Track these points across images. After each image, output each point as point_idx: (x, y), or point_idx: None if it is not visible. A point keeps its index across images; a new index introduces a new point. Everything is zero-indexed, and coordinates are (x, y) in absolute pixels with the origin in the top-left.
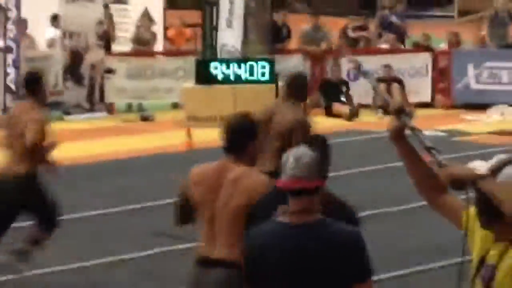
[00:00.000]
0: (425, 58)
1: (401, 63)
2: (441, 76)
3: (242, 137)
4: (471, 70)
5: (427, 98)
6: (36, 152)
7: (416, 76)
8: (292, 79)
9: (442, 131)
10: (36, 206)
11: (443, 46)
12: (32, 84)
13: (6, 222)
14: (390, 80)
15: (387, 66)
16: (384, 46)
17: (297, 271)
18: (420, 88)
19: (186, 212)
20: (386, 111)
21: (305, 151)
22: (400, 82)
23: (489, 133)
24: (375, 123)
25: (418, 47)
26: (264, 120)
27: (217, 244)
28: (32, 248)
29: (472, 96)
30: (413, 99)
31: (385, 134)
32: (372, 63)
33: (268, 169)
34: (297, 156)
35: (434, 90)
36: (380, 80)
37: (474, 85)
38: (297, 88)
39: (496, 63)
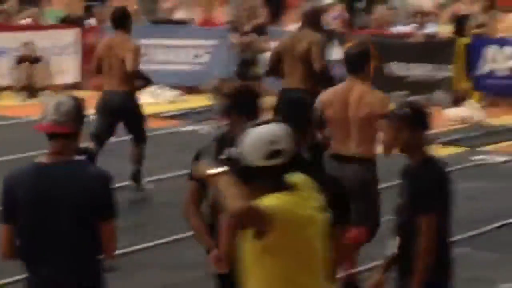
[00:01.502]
0: (72, 35)
1: (45, 40)
2: (91, 55)
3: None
4: None
5: (75, 78)
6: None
7: (63, 55)
8: None
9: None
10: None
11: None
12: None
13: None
14: (33, 60)
15: (28, 44)
16: (25, 21)
17: (44, 206)
18: (67, 68)
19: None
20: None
21: (66, 99)
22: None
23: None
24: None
25: (64, 23)
26: None
27: (350, 144)
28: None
29: None
30: (59, 80)
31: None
32: (10, 40)
33: None
34: (57, 103)
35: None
36: (21, 60)
37: None
38: None
39: (147, 40)
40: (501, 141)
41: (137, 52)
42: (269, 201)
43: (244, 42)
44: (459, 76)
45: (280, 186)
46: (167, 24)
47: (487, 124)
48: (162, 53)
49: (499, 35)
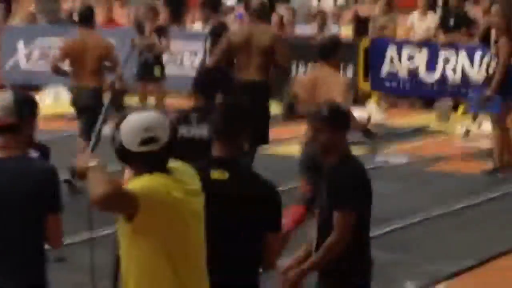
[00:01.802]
0: None
1: None
2: None
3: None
4: (21, 48)
5: None
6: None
7: None
8: None
9: None
10: None
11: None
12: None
13: None
14: None
15: None
16: None
17: None
18: None
19: None
20: None
21: (5, 95)
22: None
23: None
24: None
25: None
26: None
27: None
28: None
29: (23, 76)
30: None
31: None
32: None
33: None
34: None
35: None
36: None
37: (24, 65)
38: None
39: (48, 40)
40: (400, 142)
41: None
42: (135, 183)
43: (144, 43)
44: (360, 77)
45: (154, 170)
46: (66, 24)
47: (386, 125)
48: None
49: (399, 36)
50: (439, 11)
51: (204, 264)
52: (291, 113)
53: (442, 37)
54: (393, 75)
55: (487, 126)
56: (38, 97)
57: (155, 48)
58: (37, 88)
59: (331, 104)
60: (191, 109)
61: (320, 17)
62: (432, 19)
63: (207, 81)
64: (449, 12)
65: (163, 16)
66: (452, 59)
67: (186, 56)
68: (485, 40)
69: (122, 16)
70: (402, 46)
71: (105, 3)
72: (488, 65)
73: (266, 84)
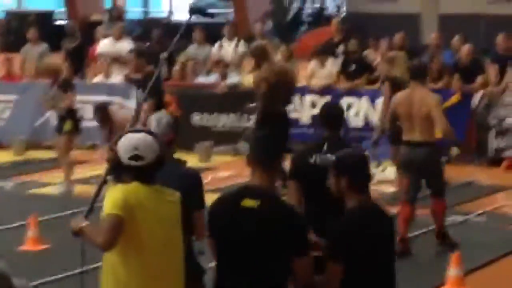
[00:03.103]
0: None
1: None
2: None
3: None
4: None
5: None
6: None
7: None
8: None
9: None
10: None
11: None
12: None
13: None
14: None
15: None
16: None
17: None
18: None
19: None
20: None
21: (162, 115)
22: None
23: None
24: None
25: None
26: None
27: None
28: None
29: None
30: None
31: None
32: None
33: None
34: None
35: None
36: None
37: None
38: None
39: None
40: None
41: None
42: (108, 203)
43: (48, 98)
44: None
45: (138, 180)
46: None
47: None
48: None
49: (300, 83)
50: (340, 57)
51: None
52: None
53: (343, 83)
54: (296, 122)
55: (391, 171)
56: None
57: (60, 103)
58: None
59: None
60: (323, 139)
61: (221, 66)
62: (332, 65)
63: (334, 115)
64: (349, 58)
65: (65, 70)
66: (355, 105)
67: (87, 108)
68: None
69: (21, 70)
70: (304, 93)
71: (4, 57)
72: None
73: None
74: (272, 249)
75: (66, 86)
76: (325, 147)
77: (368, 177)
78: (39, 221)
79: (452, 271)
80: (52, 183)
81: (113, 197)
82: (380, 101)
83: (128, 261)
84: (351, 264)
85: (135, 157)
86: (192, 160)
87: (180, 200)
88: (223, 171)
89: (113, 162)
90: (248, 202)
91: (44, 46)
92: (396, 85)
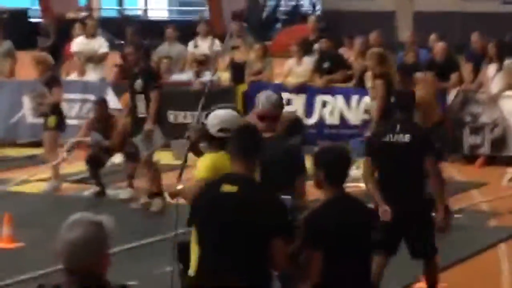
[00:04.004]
0: None
1: None
2: None
3: None
4: None
5: None
6: None
7: None
8: None
9: None
10: None
11: None
12: None
13: None
14: None
15: None
16: None
17: None
18: None
19: None
20: None
21: (271, 93)
22: None
23: None
24: None
25: None
26: None
27: None
28: None
29: None
30: None
31: None
32: None
33: None
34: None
35: None
36: None
37: None
38: None
39: None
40: None
41: None
42: (200, 169)
43: (35, 95)
44: None
45: (224, 150)
46: None
47: None
48: None
49: (276, 81)
50: (315, 55)
51: None
52: None
53: (318, 81)
54: None
55: None
56: None
57: (46, 98)
58: None
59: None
60: (396, 120)
61: (196, 64)
62: (307, 63)
63: (406, 99)
64: (324, 55)
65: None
66: (330, 103)
67: (63, 105)
68: (361, 84)
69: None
70: (279, 89)
71: None
72: (367, 109)
73: None
74: (252, 232)
75: (53, 82)
76: (398, 128)
77: (344, 172)
78: (13, 219)
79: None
80: (27, 181)
81: (204, 163)
82: (355, 99)
83: None
84: (328, 253)
85: (223, 130)
86: (167, 158)
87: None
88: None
89: (193, 140)
90: (228, 187)
91: (8, 44)
92: (390, 82)
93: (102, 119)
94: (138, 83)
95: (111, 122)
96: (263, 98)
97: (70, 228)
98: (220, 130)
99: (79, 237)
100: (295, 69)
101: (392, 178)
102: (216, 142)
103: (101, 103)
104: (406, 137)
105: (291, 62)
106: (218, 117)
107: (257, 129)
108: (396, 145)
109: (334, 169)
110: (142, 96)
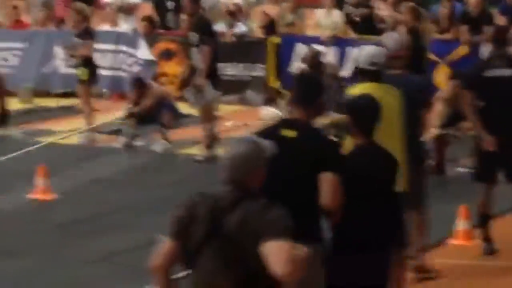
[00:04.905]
0: None
1: None
2: None
3: None
4: None
5: None
6: None
7: None
8: None
9: None
10: None
11: None
12: None
13: None
14: None
15: None
16: None
17: None
18: None
19: None
20: None
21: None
22: None
23: None
24: None
25: None
26: None
27: None
28: None
29: None
30: None
31: None
32: None
33: None
34: None
35: None
36: None
37: None
38: None
39: None
40: None
41: None
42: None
43: (70, 47)
44: (270, 76)
45: (374, 81)
46: None
47: None
48: None
49: (307, 33)
50: (345, 8)
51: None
52: None
53: (350, 34)
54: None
55: None
56: None
57: (78, 51)
58: None
59: None
60: (494, 56)
61: (229, 15)
62: (338, 16)
63: (504, 34)
64: (356, 8)
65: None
66: None
67: (94, 56)
68: None
69: (27, 18)
70: (310, 42)
71: (10, 5)
72: None
73: None
74: (307, 172)
75: (86, 34)
76: (498, 62)
77: (373, 122)
78: (48, 170)
79: (461, 225)
80: (60, 132)
81: (354, 92)
82: None
83: None
84: (350, 196)
85: (373, 64)
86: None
87: (400, 95)
88: (230, 121)
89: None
90: (287, 132)
91: None
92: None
93: (142, 96)
94: (194, 36)
95: (145, 93)
96: (390, 41)
97: (235, 146)
98: (371, 64)
99: (241, 153)
100: (325, 21)
101: (494, 109)
102: (369, 75)
103: (138, 83)
104: (508, 71)
105: (320, 13)
106: (368, 52)
107: (317, 76)
108: (498, 79)
109: (362, 117)
110: (196, 49)
